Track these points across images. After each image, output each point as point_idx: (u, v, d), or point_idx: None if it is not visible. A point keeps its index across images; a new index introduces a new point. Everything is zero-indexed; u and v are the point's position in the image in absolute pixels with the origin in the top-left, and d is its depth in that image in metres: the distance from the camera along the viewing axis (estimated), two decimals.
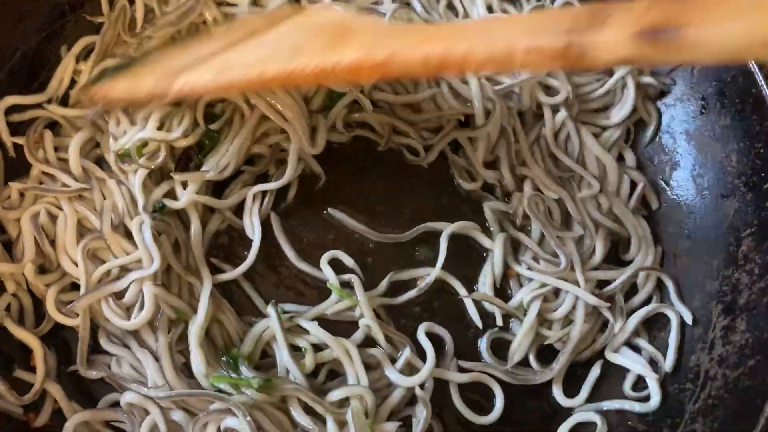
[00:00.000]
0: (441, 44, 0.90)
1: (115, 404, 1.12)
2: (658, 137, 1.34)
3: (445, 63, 0.89)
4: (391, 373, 1.13)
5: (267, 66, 1.02)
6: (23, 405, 1.10)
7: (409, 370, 1.15)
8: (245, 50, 1.10)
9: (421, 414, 1.11)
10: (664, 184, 1.31)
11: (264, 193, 1.24)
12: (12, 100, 1.24)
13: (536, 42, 0.82)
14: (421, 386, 1.13)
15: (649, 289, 1.24)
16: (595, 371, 1.20)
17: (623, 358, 1.19)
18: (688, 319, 1.19)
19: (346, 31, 1.02)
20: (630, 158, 1.34)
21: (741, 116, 1.20)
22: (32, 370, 1.13)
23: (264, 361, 1.15)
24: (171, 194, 1.21)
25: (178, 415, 1.09)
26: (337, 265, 1.22)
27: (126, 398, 1.10)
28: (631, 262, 1.26)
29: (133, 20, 1.32)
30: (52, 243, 1.18)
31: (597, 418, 1.16)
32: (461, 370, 1.18)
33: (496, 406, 1.16)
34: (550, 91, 1.33)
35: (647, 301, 1.24)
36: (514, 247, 1.26)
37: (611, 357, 1.20)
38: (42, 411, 1.11)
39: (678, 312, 1.20)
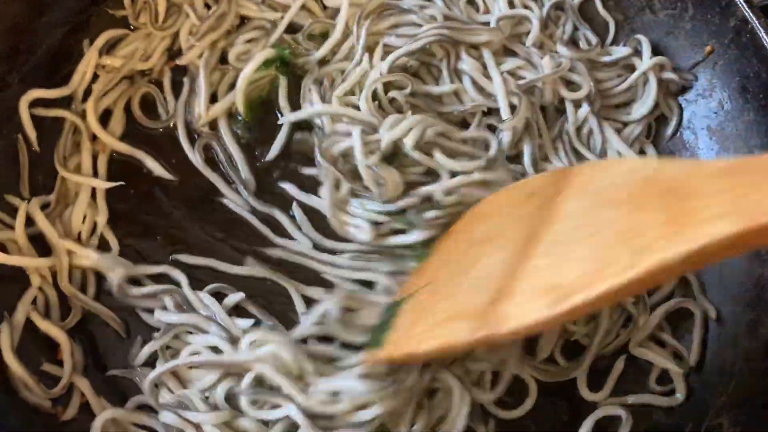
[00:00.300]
0: None
1: (145, 406, 1.12)
2: (679, 133, 1.34)
3: None
4: None
5: (613, 274, 0.75)
6: (51, 398, 1.10)
7: None
8: (557, 257, 0.84)
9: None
10: None
11: None
12: (36, 93, 1.24)
13: None
14: None
15: (672, 284, 1.24)
16: (619, 365, 1.19)
17: (647, 351, 1.19)
18: (712, 313, 1.19)
19: (683, 193, 0.74)
20: (651, 154, 1.34)
21: (764, 111, 1.20)
22: (59, 363, 1.13)
23: None
24: None
25: None
26: None
27: (165, 419, 1.09)
28: None
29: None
30: None
31: (622, 412, 1.15)
32: None
33: (527, 400, 1.16)
34: (572, 86, 1.33)
35: (670, 296, 1.24)
36: None
37: (635, 351, 1.20)
38: (70, 405, 1.11)
39: (701, 307, 1.21)
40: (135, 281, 1.19)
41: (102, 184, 1.23)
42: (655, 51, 1.36)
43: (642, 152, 1.33)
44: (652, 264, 0.72)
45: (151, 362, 1.15)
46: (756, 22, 1.20)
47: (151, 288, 1.17)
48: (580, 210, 0.87)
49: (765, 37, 1.19)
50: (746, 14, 1.21)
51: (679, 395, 1.16)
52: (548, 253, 0.86)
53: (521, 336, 0.93)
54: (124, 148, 1.28)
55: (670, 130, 1.34)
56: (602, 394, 1.18)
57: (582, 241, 0.83)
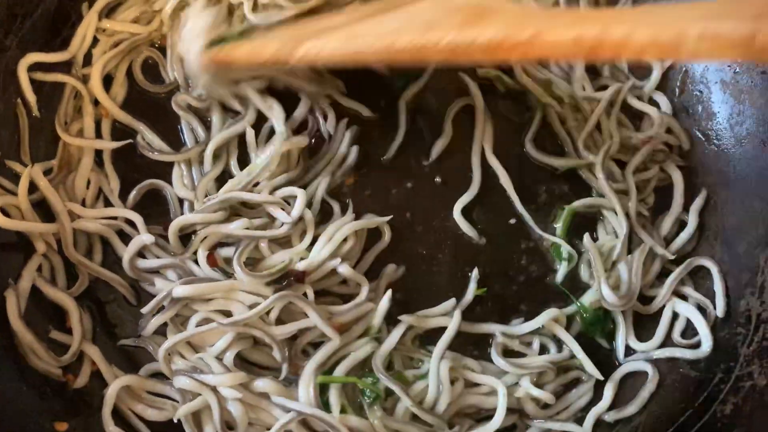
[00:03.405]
0: (596, 26, 0.83)
1: (158, 373, 1.10)
2: (691, 88, 1.32)
3: (600, 45, 0.83)
4: None
5: (397, 38, 0.98)
6: (62, 366, 1.06)
7: None
8: (375, 23, 1.06)
9: None
10: (700, 135, 1.29)
11: None
12: (35, 57, 1.20)
13: (713, 28, 0.75)
14: None
15: (693, 240, 1.24)
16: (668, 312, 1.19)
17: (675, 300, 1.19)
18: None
19: (486, 11, 0.95)
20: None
21: None
22: (68, 332, 1.09)
23: None
24: None
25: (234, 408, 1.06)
26: None
27: (179, 384, 1.06)
28: None
29: None
30: None
31: (648, 367, 1.14)
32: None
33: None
34: None
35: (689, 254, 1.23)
36: None
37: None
38: (81, 372, 1.08)
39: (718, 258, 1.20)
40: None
41: (106, 145, 1.20)
42: None
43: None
44: (429, 40, 0.94)
45: (161, 330, 1.11)
46: None
47: (155, 261, 1.14)
48: (422, 7, 1.03)
49: None
50: None
51: (706, 347, 1.14)
52: (373, 21, 1.06)
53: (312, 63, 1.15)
54: (124, 117, 1.23)
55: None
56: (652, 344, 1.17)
57: (401, 20, 1.03)
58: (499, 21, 0.92)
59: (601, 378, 1.13)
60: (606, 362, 1.16)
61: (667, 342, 1.17)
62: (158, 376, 1.10)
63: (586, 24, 0.85)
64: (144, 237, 1.13)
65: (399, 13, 1.05)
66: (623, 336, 1.17)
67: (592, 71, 1.33)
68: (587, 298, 1.17)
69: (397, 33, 0.99)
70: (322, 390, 1.07)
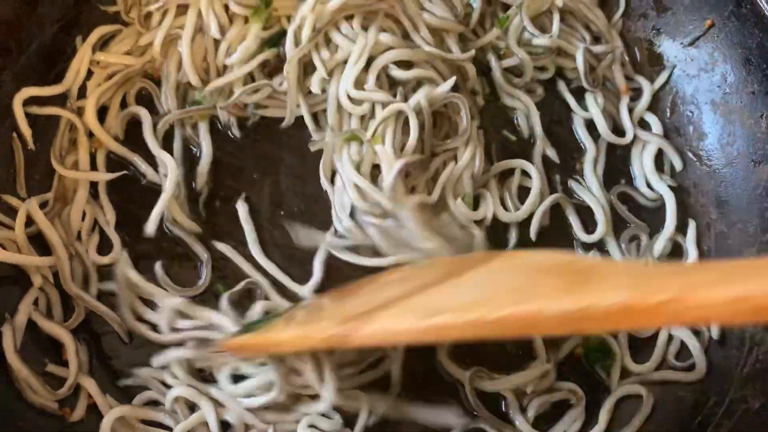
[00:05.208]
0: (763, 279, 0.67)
1: (151, 403, 1.11)
2: (682, 109, 1.33)
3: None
4: None
5: (489, 308, 0.79)
6: (58, 399, 1.07)
7: None
8: (447, 294, 0.89)
9: None
10: (692, 155, 1.30)
11: None
12: (30, 91, 1.21)
13: None
14: None
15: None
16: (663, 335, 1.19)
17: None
18: None
19: (592, 272, 0.80)
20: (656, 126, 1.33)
21: None
22: (64, 364, 1.10)
23: None
24: None
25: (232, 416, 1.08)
26: None
27: (176, 392, 1.08)
28: None
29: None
30: None
31: (642, 390, 1.14)
32: None
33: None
34: None
35: None
36: None
37: None
38: (77, 405, 1.08)
39: None
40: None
41: (101, 177, 1.21)
42: (654, 28, 1.35)
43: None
44: (528, 310, 0.77)
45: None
46: None
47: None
48: (499, 271, 0.92)
49: (766, 6, 1.19)
50: None
51: (700, 369, 1.15)
52: (442, 291, 0.90)
53: (380, 343, 0.97)
54: (118, 149, 1.24)
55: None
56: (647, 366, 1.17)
57: (481, 288, 0.88)
58: (617, 282, 0.77)
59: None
60: (601, 386, 1.16)
61: (662, 364, 1.17)
62: (151, 404, 1.11)
63: (749, 277, 0.68)
64: None
65: (472, 281, 0.90)
66: (619, 364, 1.16)
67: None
68: None
69: (485, 304, 0.81)
70: None
